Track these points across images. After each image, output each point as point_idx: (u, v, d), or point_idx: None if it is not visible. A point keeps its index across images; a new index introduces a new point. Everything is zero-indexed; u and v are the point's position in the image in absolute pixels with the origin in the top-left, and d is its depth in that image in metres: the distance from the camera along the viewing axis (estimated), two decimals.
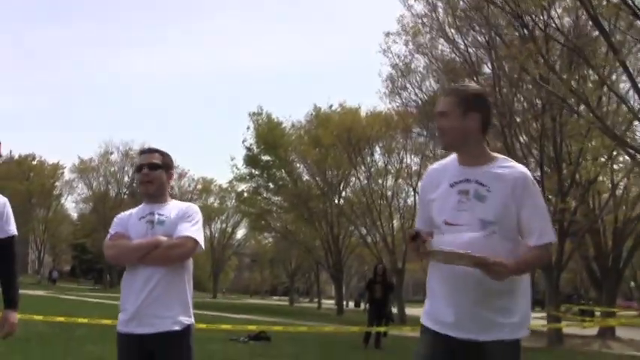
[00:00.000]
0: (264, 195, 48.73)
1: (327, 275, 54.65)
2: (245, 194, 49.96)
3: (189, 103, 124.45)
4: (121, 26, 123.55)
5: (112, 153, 66.30)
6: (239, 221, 68.72)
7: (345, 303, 52.45)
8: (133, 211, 4.09)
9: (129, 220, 4.00)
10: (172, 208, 4.00)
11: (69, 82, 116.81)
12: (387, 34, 24.27)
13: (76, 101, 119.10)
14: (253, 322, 20.53)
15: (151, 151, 4.12)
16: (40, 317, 11.84)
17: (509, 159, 3.21)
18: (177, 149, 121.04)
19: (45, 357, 10.38)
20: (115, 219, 4.10)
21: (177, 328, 3.79)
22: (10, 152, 68.23)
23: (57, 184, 70.79)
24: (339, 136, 38.07)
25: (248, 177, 47.94)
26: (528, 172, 3.13)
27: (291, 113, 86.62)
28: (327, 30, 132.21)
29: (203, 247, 3.88)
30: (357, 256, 54.65)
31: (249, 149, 46.78)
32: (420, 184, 3.27)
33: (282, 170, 46.43)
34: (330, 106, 42.54)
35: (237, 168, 47.42)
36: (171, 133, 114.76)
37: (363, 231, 41.58)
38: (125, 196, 67.10)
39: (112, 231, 3.99)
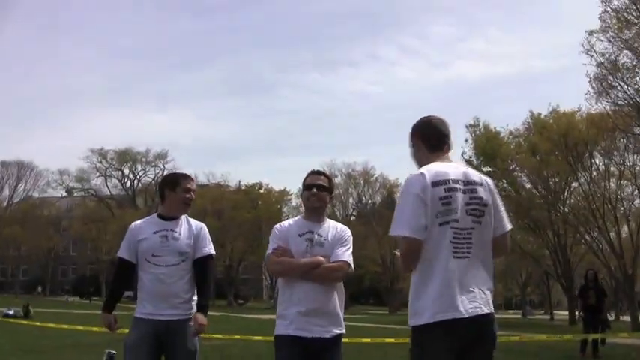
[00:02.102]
0: None
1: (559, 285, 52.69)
2: None
3: (407, 121, 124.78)
4: (334, 47, 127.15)
5: (335, 176, 67.51)
6: None
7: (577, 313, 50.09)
8: (292, 223, 4.57)
9: (288, 234, 4.46)
10: (328, 229, 4.50)
11: (289, 108, 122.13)
12: (590, 33, 23.38)
13: (297, 126, 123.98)
14: None
15: (320, 173, 4.64)
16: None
17: None
18: (396, 168, 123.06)
19: None
20: (274, 229, 4.55)
21: (329, 335, 4.30)
22: (239, 183, 72.36)
23: (284, 209, 71.33)
24: (556, 141, 37.05)
25: None
26: None
27: (509, 122, 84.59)
28: (533, 28, 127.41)
29: (353, 268, 4.43)
30: (588, 264, 52.23)
31: (468, 162, 46.49)
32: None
33: (504, 181, 45.63)
34: (551, 111, 41.26)
35: None
36: (390, 153, 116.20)
37: (589, 237, 39.90)
38: (353, 218, 68.44)
39: (273, 244, 4.45)
